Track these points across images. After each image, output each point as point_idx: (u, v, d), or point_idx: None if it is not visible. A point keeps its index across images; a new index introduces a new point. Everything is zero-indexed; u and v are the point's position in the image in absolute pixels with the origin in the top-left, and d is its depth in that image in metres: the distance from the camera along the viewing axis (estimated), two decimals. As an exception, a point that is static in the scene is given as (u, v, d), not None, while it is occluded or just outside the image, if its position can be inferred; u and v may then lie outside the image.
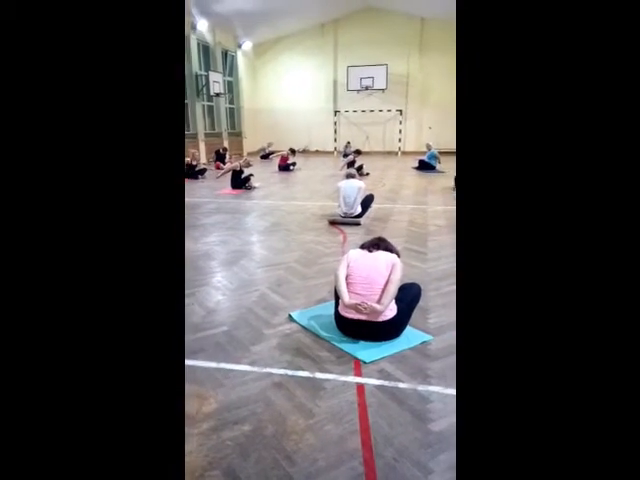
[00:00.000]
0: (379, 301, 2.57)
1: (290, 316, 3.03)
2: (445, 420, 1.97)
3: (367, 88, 16.57)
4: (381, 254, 2.80)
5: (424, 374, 2.33)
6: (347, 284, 2.69)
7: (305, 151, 17.81)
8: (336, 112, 17.67)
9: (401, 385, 2.24)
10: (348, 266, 2.75)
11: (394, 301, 2.65)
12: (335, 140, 17.58)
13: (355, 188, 5.78)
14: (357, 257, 2.79)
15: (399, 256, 2.88)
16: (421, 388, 2.21)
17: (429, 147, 12.21)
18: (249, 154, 16.31)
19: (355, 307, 2.55)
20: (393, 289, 2.59)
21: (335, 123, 17.65)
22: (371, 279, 2.65)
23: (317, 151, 18.15)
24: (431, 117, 17.15)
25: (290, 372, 2.35)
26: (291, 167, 11.98)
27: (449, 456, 1.76)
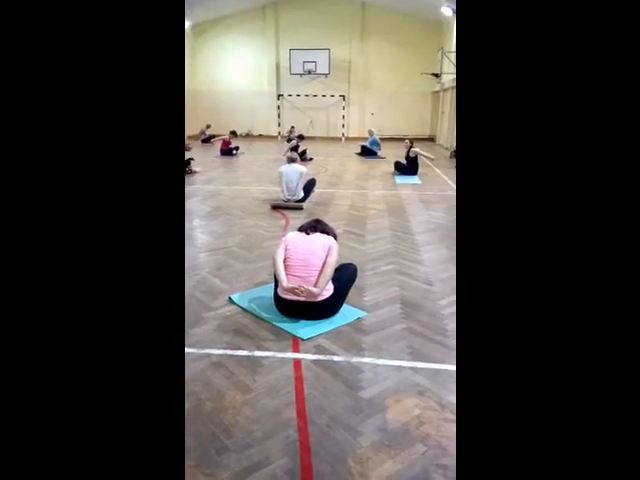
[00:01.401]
0: (316, 284, 2.67)
1: (230, 299, 3.07)
2: (375, 387, 2.12)
3: (310, 72, 16.53)
4: (318, 236, 2.89)
5: (358, 347, 2.48)
6: (285, 266, 2.77)
7: (248, 135, 17.55)
8: (279, 96, 17.50)
9: (336, 358, 2.36)
10: (286, 249, 2.83)
11: (331, 281, 2.76)
12: (279, 124, 17.45)
13: (297, 173, 5.84)
14: (295, 240, 2.87)
15: (336, 238, 2.99)
16: (354, 360, 2.35)
17: (371, 133, 12.46)
18: (189, 138, 15.83)
19: (292, 290, 2.63)
20: (329, 271, 2.70)
21: (278, 107, 17.49)
22: (308, 261, 2.74)
23: (260, 135, 17.95)
24: (373, 103, 17.44)
25: (229, 352, 2.41)
26: (234, 151, 11.80)
27: (377, 420, 1.91)
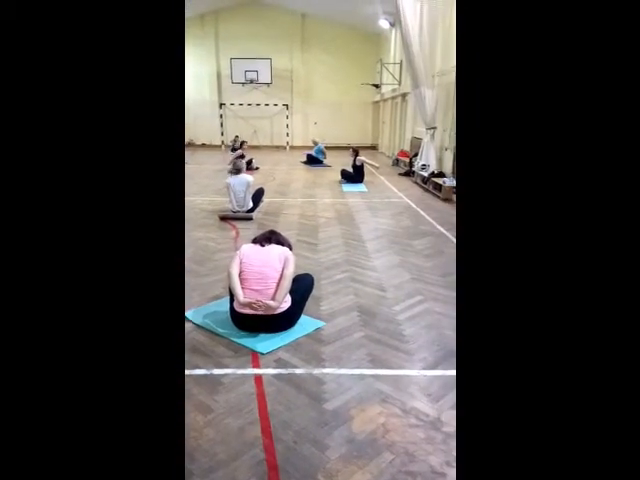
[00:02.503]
0: (273, 297, 2.63)
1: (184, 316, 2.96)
2: (338, 398, 2.11)
3: (252, 81, 16.47)
4: (274, 248, 2.85)
5: (318, 358, 2.46)
6: (241, 280, 2.71)
7: (190, 144, 17.15)
8: (221, 105, 17.27)
9: (297, 371, 2.33)
10: (241, 262, 2.76)
11: (288, 293, 2.73)
12: (222, 134, 17.19)
13: (244, 184, 5.75)
14: (249, 253, 2.81)
15: (291, 249, 2.97)
16: (316, 371, 2.33)
17: (315, 142, 12.60)
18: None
19: (250, 305, 2.58)
20: (287, 284, 2.67)
21: (221, 116, 17.26)
22: (265, 274, 2.70)
23: (203, 145, 17.60)
24: (316, 112, 17.65)
25: (186, 371, 2.31)
26: (176, 162, 11.46)
27: (343, 431, 1.90)
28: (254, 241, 2.95)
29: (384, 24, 13.99)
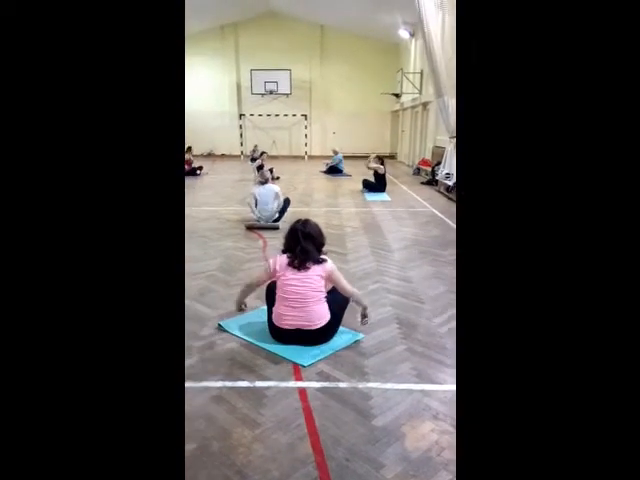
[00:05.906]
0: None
1: (220, 325, 2.93)
2: (387, 414, 2.04)
3: (272, 92, 16.61)
4: (311, 269, 2.67)
5: (361, 371, 2.40)
6: (280, 298, 2.65)
7: (210, 155, 17.32)
8: (241, 115, 17.44)
9: (341, 385, 2.27)
10: (278, 278, 2.67)
11: (327, 306, 2.67)
12: (241, 144, 17.34)
13: (272, 194, 5.75)
14: (286, 271, 2.66)
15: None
16: (361, 386, 2.27)
17: (335, 152, 12.59)
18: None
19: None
20: (350, 290, 2.81)
21: (241, 127, 17.41)
22: (303, 295, 2.61)
23: (223, 155, 17.76)
24: (334, 122, 17.70)
25: (229, 384, 2.27)
26: (197, 172, 11.57)
27: (396, 448, 1.83)
28: (289, 256, 2.71)
29: (404, 34, 14.00)
